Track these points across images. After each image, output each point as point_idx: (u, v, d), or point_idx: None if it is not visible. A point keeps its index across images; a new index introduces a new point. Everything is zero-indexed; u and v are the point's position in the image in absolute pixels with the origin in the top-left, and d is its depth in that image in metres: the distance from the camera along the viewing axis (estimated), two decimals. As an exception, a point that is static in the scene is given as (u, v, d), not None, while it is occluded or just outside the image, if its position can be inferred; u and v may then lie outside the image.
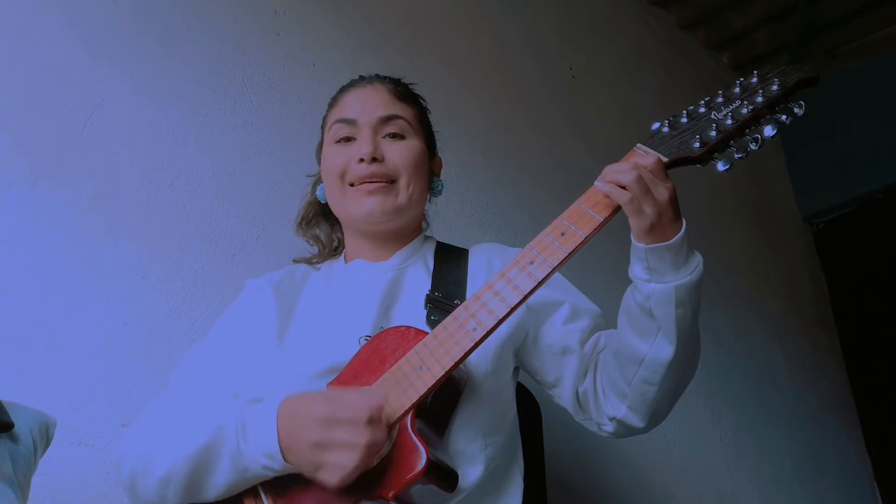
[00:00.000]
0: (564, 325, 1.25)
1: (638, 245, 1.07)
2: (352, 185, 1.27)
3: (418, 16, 2.30)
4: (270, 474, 1.07)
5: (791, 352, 3.08)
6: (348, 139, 1.29)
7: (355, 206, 1.27)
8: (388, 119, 1.29)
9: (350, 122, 1.30)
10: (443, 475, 1.05)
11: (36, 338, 1.40)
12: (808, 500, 2.75)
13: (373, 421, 1.00)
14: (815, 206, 3.56)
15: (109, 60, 1.65)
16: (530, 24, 2.64)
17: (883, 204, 3.37)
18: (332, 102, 1.37)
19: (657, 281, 1.07)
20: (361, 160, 1.26)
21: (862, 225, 3.44)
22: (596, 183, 1.08)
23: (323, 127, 1.39)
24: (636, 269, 1.09)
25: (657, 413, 1.18)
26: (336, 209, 1.33)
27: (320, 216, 1.42)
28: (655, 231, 1.05)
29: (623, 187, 1.04)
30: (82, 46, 1.62)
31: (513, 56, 2.54)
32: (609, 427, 1.21)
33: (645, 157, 1.06)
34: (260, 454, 1.04)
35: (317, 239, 1.41)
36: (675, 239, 1.05)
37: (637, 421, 1.18)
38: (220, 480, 1.08)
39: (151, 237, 1.59)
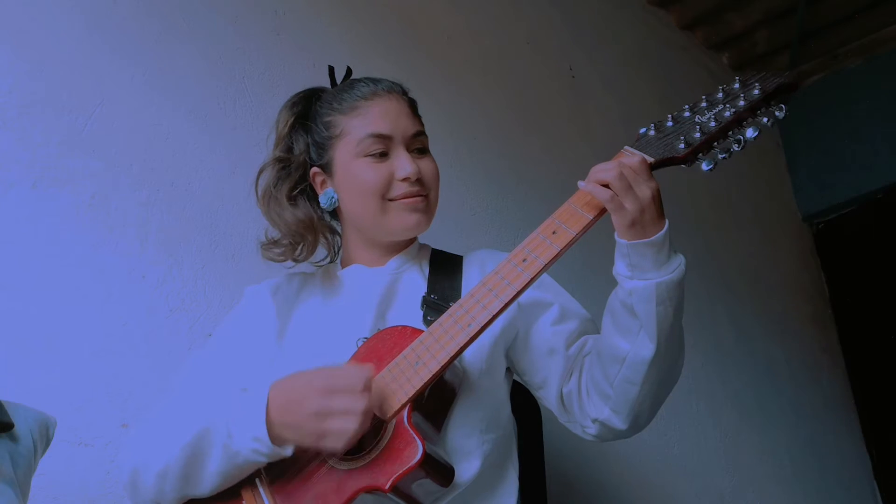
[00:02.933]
0: (552, 326, 1.26)
1: (620, 241, 1.10)
2: (391, 200, 1.28)
3: (418, 16, 2.31)
4: (261, 459, 1.09)
5: (791, 352, 3.08)
6: (382, 155, 1.28)
7: (397, 221, 1.28)
8: (416, 135, 1.31)
9: (386, 138, 1.28)
10: (439, 468, 1.08)
11: (36, 338, 1.40)
12: (808, 500, 2.75)
13: (367, 388, 1.05)
14: (815, 206, 3.55)
15: (109, 60, 1.65)
16: (530, 24, 2.65)
17: (883, 204, 3.36)
18: (344, 107, 1.31)
19: (639, 278, 1.09)
20: (406, 179, 1.27)
21: (862, 225, 3.44)
22: (579, 183, 1.12)
23: (327, 126, 1.32)
24: (619, 266, 1.11)
25: (640, 415, 1.19)
26: (365, 221, 1.31)
27: (323, 222, 1.39)
28: (636, 227, 1.08)
29: (606, 185, 1.08)
30: (82, 46, 1.62)
31: (513, 56, 2.54)
32: (592, 429, 1.22)
33: (630, 157, 1.10)
34: (249, 437, 1.07)
35: (324, 243, 1.41)
36: (656, 236, 1.08)
37: (619, 423, 1.19)
38: (213, 468, 1.11)
39: (151, 237, 1.59)
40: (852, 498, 3.01)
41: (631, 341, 1.12)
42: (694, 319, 2.71)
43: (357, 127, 1.29)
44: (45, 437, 1.09)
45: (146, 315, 1.53)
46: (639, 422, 1.20)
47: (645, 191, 1.07)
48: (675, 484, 2.33)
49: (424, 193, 1.29)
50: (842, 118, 3.42)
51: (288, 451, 1.08)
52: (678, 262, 1.11)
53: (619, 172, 1.07)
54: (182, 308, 1.58)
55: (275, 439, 1.07)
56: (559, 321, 1.27)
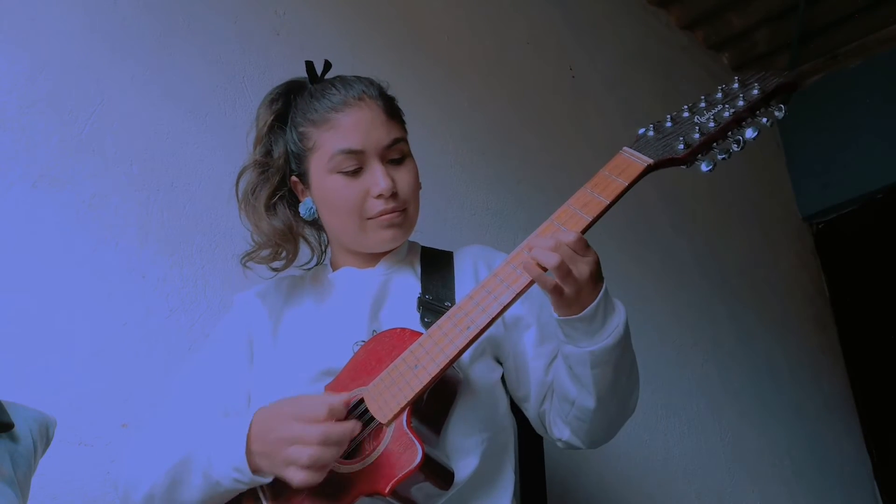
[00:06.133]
0: (534, 348, 1.27)
1: (553, 314, 1.10)
2: (368, 218, 1.25)
3: (418, 16, 2.30)
4: (242, 487, 1.09)
5: (791, 352, 3.08)
6: (356, 171, 1.24)
7: (374, 237, 1.27)
8: (391, 145, 1.26)
9: (358, 153, 1.23)
10: (438, 472, 1.07)
11: (36, 338, 1.40)
12: (808, 500, 2.75)
13: (332, 416, 1.03)
14: (815, 206, 3.55)
15: (109, 60, 1.65)
16: (530, 24, 2.64)
17: (883, 204, 3.36)
18: (316, 118, 1.26)
19: (573, 344, 1.11)
20: (380, 196, 1.23)
21: (862, 225, 3.44)
22: (518, 264, 1.08)
23: (301, 138, 1.28)
24: (557, 330, 1.13)
25: (597, 440, 1.24)
26: (343, 236, 1.30)
27: (304, 226, 1.37)
28: (574, 306, 1.07)
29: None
30: (82, 46, 1.62)
31: (513, 56, 2.54)
32: (561, 444, 1.27)
33: (565, 233, 1.06)
34: (230, 467, 1.07)
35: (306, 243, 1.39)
36: (584, 312, 1.07)
37: (580, 445, 1.24)
38: (195, 496, 1.11)
39: (151, 237, 1.59)
40: (852, 498, 3.01)
41: (577, 390, 1.15)
42: (694, 319, 2.71)
43: (328, 141, 1.25)
44: (45, 437, 1.09)
45: (146, 315, 1.53)
46: (598, 443, 1.25)
47: (583, 269, 1.05)
48: (676, 484, 2.33)
49: (401, 208, 1.26)
50: (842, 118, 3.42)
51: (267, 479, 1.07)
52: (614, 326, 1.09)
53: (558, 261, 1.03)
54: (182, 308, 1.58)
55: (254, 469, 1.06)
56: (540, 343, 1.27)
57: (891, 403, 3.20)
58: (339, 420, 1.04)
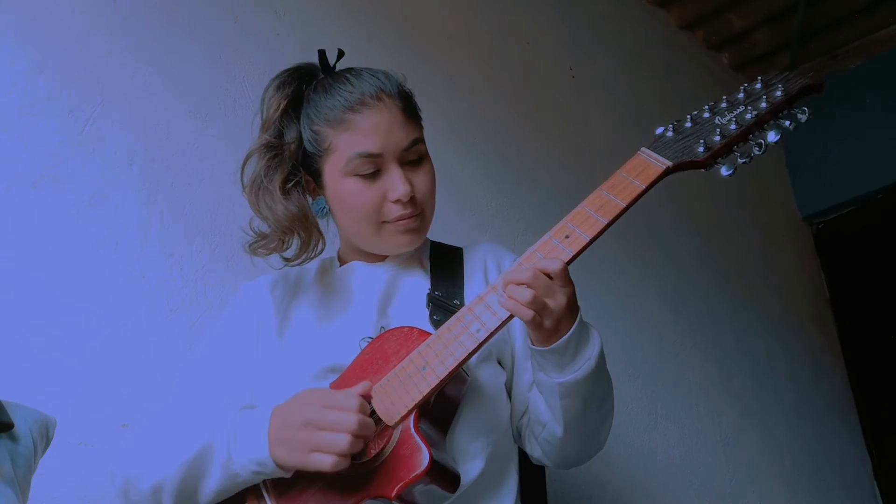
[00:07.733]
0: (521, 361, 1.27)
1: (528, 343, 1.11)
2: (384, 222, 1.24)
3: (418, 16, 2.30)
4: (260, 479, 1.09)
5: (791, 352, 3.08)
6: (373, 174, 1.21)
7: (390, 241, 1.25)
8: (410, 146, 1.23)
9: (376, 157, 1.20)
10: (445, 476, 1.06)
11: (36, 338, 1.40)
12: (808, 500, 2.75)
13: (363, 409, 1.02)
14: (815, 206, 3.55)
15: (109, 60, 1.65)
16: (530, 24, 2.64)
17: (883, 204, 3.36)
18: (332, 118, 1.22)
19: (543, 373, 1.11)
20: (398, 200, 1.21)
21: (862, 225, 3.44)
22: (497, 297, 1.07)
23: (316, 136, 1.24)
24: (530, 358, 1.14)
25: (566, 464, 1.24)
26: (357, 239, 1.29)
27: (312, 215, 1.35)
28: (551, 338, 1.07)
29: (526, 286, 1.04)
30: (82, 46, 1.62)
31: (513, 56, 2.54)
32: (533, 460, 1.27)
33: (550, 262, 1.05)
34: (250, 461, 1.06)
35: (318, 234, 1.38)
36: (556, 344, 1.06)
37: (550, 464, 1.25)
38: (212, 487, 1.10)
39: (151, 237, 1.59)
40: (852, 498, 3.01)
41: (548, 416, 1.16)
42: (695, 319, 2.71)
43: (345, 143, 1.21)
44: (45, 437, 1.09)
45: (146, 315, 1.53)
46: (568, 465, 1.25)
47: (561, 300, 1.04)
48: (676, 483, 2.33)
49: (418, 212, 1.24)
50: (842, 118, 3.42)
51: (289, 474, 1.06)
52: (585, 359, 1.09)
53: (532, 296, 1.02)
54: (182, 308, 1.58)
55: (276, 460, 1.05)
56: (525, 357, 1.26)
57: (891, 403, 3.20)
58: (365, 411, 1.03)
